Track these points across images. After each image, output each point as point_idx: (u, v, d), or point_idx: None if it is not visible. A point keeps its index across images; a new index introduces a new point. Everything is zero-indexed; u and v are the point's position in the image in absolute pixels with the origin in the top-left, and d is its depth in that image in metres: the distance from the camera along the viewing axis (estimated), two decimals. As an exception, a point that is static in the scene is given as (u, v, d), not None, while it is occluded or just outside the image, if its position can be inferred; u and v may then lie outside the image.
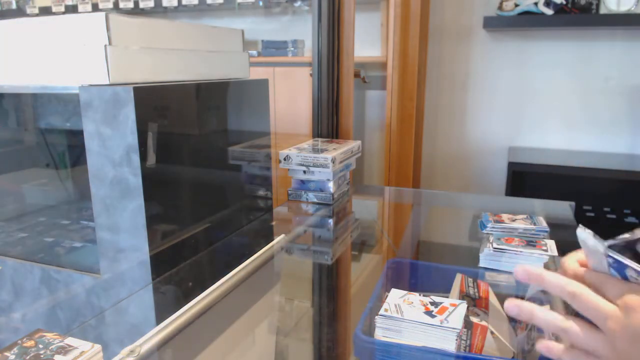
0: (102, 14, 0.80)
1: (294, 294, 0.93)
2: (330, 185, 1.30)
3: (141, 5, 2.84)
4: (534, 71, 2.29)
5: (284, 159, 1.31)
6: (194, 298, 0.79)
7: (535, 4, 2.07)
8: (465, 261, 0.99)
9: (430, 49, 2.42)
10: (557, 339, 0.49)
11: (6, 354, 0.53)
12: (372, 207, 1.47)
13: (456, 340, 0.59)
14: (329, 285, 0.97)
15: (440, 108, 2.49)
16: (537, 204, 1.33)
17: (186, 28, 0.99)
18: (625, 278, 0.44)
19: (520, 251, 0.87)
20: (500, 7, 2.18)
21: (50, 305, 0.97)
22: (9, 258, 1.01)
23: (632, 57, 2.14)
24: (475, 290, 0.72)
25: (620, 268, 0.43)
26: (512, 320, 0.72)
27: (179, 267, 0.93)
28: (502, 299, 0.76)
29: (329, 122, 1.60)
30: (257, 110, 1.21)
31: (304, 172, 1.31)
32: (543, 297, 0.59)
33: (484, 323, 0.61)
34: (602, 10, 2.06)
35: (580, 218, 2.14)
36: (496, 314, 0.71)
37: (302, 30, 2.66)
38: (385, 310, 0.62)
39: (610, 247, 0.44)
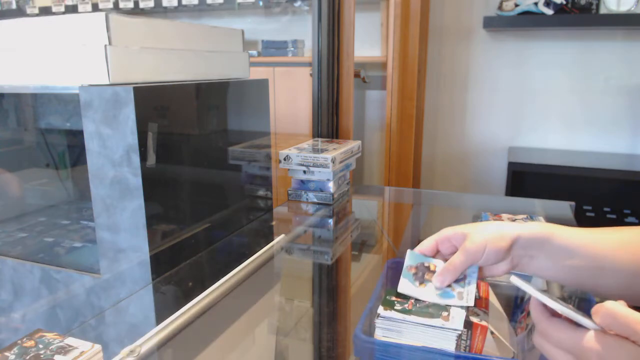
0: (102, 14, 0.80)
1: (294, 294, 0.93)
2: (330, 185, 1.30)
3: (141, 5, 2.84)
4: (534, 71, 2.29)
5: (284, 159, 1.31)
6: (194, 298, 0.79)
7: (535, 4, 2.07)
8: (465, 261, 0.99)
9: (430, 49, 2.42)
10: None
11: (6, 354, 0.53)
12: (372, 207, 1.47)
13: (456, 340, 0.59)
14: (329, 285, 0.97)
15: (440, 108, 2.49)
16: (537, 204, 1.33)
17: (186, 28, 0.99)
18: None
19: (520, 251, 0.87)
20: (500, 7, 2.18)
21: (50, 305, 0.97)
22: (9, 258, 1.01)
23: (632, 57, 2.15)
24: (475, 290, 0.72)
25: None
26: (512, 320, 0.72)
27: (179, 267, 0.93)
28: (502, 299, 0.76)
29: (329, 122, 1.60)
30: (257, 110, 1.21)
31: (304, 172, 1.31)
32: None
33: (484, 323, 0.61)
34: (602, 10, 2.06)
35: (580, 218, 2.14)
36: (496, 314, 0.70)
37: (302, 30, 2.66)
38: (385, 309, 0.62)
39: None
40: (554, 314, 0.48)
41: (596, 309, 0.45)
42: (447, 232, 0.63)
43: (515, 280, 0.54)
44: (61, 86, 0.87)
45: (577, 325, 0.46)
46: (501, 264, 0.60)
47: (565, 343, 0.45)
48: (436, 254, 0.65)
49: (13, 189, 1.21)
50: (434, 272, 0.63)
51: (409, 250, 0.66)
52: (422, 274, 0.63)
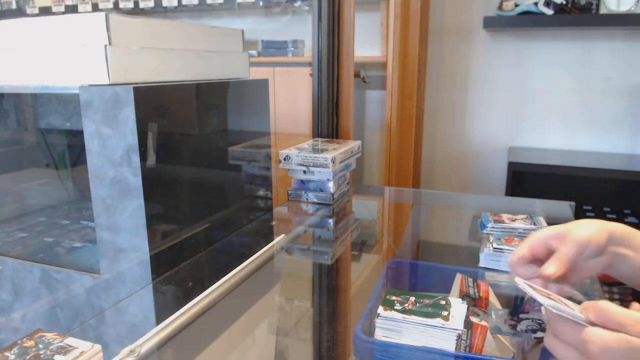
0: (102, 14, 0.80)
1: (294, 294, 0.93)
2: (330, 185, 1.30)
3: (141, 5, 2.84)
4: (534, 71, 2.29)
5: (284, 159, 1.31)
6: (194, 298, 0.79)
7: (535, 4, 2.07)
8: (465, 261, 0.99)
9: (430, 49, 2.42)
10: None
11: (6, 354, 0.53)
12: (372, 207, 1.47)
13: (456, 340, 0.59)
14: (329, 285, 0.97)
15: (440, 108, 2.49)
16: (537, 204, 1.33)
17: (186, 28, 0.99)
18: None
19: (520, 251, 0.87)
20: (500, 7, 2.18)
21: (50, 305, 0.97)
22: (9, 258, 1.01)
23: (632, 57, 2.15)
24: (475, 290, 0.72)
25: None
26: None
27: (179, 267, 0.93)
28: (502, 299, 0.76)
29: (329, 122, 1.60)
30: (257, 110, 1.21)
31: (304, 172, 1.31)
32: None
33: (484, 323, 0.61)
34: (602, 10, 2.06)
35: (580, 218, 2.14)
36: (496, 314, 0.70)
37: (302, 30, 2.66)
38: (385, 309, 0.62)
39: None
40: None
41: (585, 306, 0.48)
42: (540, 234, 0.61)
43: (519, 281, 0.54)
44: (61, 86, 0.87)
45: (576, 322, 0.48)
46: (597, 262, 0.59)
47: (569, 339, 0.48)
48: (531, 258, 0.61)
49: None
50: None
51: (517, 279, 0.58)
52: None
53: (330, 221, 1.24)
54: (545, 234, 0.60)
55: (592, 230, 0.58)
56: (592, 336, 0.45)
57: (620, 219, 2.14)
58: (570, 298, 0.55)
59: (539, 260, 0.61)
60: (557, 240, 0.59)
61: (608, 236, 0.58)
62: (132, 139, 0.81)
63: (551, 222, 1.02)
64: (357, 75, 2.19)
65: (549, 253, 0.60)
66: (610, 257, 0.59)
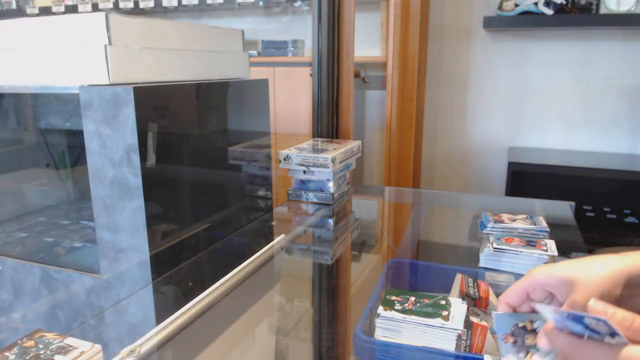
0: (102, 14, 0.80)
1: (294, 294, 0.93)
2: (330, 185, 1.30)
3: (141, 5, 2.84)
4: (534, 71, 2.29)
5: (284, 159, 1.31)
6: (194, 298, 0.79)
7: (535, 4, 2.07)
8: (465, 261, 0.99)
9: (430, 49, 2.42)
10: None
11: (6, 354, 0.53)
12: (372, 207, 1.47)
13: (456, 340, 0.59)
14: (329, 285, 0.97)
15: (440, 108, 2.49)
16: (537, 204, 1.33)
17: (186, 28, 0.99)
18: (585, 327, 0.44)
19: (520, 251, 0.88)
20: (500, 7, 2.18)
21: (50, 305, 0.97)
22: (9, 258, 1.01)
23: (632, 57, 2.15)
24: (475, 290, 0.73)
25: (578, 319, 0.44)
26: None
27: (179, 267, 0.93)
28: (502, 299, 0.76)
29: (329, 122, 1.60)
30: (257, 110, 1.21)
31: (304, 172, 1.31)
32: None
33: (484, 323, 0.61)
34: (602, 10, 2.06)
35: (580, 218, 2.14)
36: (496, 314, 0.70)
37: (302, 30, 2.66)
38: (385, 309, 0.62)
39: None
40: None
41: (619, 320, 0.42)
42: (539, 277, 0.53)
43: (539, 307, 0.49)
44: (61, 86, 0.87)
45: (607, 344, 0.42)
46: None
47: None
48: (525, 300, 0.56)
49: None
50: (532, 331, 0.53)
51: (494, 314, 0.56)
52: (522, 339, 0.52)
53: (330, 221, 1.24)
54: (542, 279, 0.53)
55: (602, 287, 0.48)
56: (631, 356, 0.39)
57: (620, 218, 2.14)
58: None
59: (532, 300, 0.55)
60: (560, 290, 0.51)
61: (625, 283, 0.49)
62: (132, 139, 0.81)
63: (551, 222, 1.02)
64: (357, 75, 2.19)
65: (551, 297, 0.53)
66: (620, 299, 0.50)
